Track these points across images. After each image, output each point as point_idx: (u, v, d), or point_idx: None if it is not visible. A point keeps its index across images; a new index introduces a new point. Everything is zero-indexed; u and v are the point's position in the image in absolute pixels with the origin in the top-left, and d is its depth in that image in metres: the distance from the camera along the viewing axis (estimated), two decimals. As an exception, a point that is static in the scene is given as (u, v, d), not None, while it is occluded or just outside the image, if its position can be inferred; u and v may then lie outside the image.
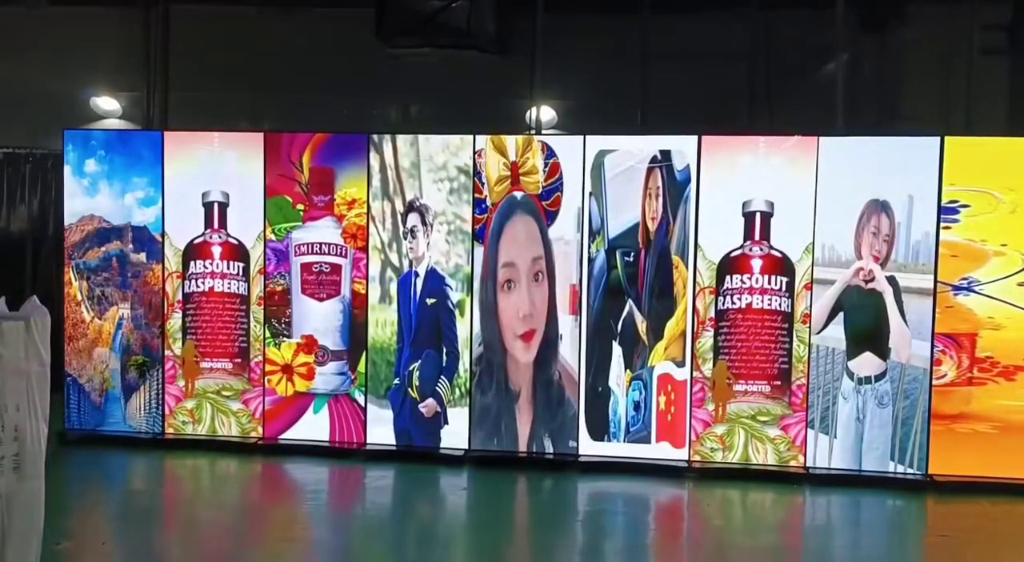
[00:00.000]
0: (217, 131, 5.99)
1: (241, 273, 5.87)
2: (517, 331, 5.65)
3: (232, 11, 7.68)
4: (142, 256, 5.97)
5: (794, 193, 5.42)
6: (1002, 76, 6.97)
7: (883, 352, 5.39)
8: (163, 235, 5.92)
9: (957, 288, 5.30)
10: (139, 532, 4.61)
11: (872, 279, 5.38)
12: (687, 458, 5.56)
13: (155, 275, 5.95)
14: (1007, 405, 5.28)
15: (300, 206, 5.79)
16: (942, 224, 5.29)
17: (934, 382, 5.33)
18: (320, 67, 7.47)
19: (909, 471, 5.38)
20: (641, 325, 5.60)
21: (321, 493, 5.45)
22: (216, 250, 5.87)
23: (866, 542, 4.75)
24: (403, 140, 5.76)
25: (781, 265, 5.47)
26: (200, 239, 5.89)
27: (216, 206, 5.86)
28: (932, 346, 5.32)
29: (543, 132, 7.06)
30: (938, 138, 5.31)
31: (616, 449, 5.63)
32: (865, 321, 5.41)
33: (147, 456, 5.83)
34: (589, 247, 5.60)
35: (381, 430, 5.80)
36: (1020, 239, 5.23)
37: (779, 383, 5.49)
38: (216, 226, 5.86)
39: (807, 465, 5.47)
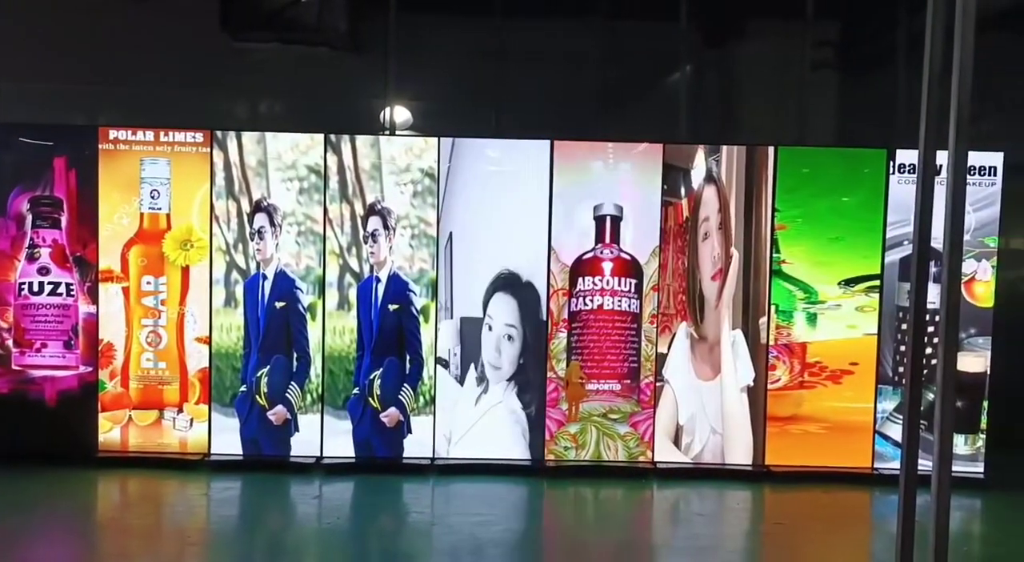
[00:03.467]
0: (47, 125, 5.62)
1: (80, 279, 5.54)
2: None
3: (65, -5, 7.19)
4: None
5: (642, 197, 5.59)
6: (830, 90, 7.43)
7: (724, 350, 5.65)
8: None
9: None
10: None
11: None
12: (541, 457, 5.64)
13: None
14: (834, 406, 5.63)
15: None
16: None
17: (769, 386, 5.62)
18: (161, 59, 7.10)
19: (746, 463, 5.66)
20: (495, 327, 5.64)
21: (164, 507, 5.17)
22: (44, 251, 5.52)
23: (708, 532, 4.94)
24: (249, 137, 5.56)
25: (630, 267, 5.63)
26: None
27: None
28: (767, 352, 5.62)
29: (397, 133, 6.98)
30: (772, 147, 5.61)
31: (472, 450, 5.64)
32: (708, 321, 5.66)
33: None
34: (444, 249, 5.59)
35: (228, 438, 5.59)
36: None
37: (629, 382, 5.64)
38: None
39: (654, 460, 5.66)
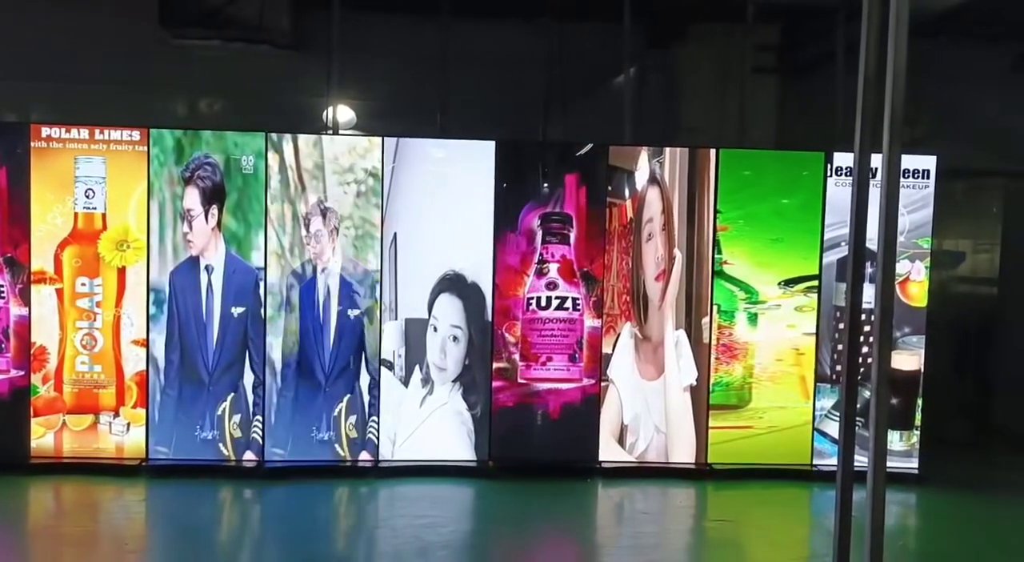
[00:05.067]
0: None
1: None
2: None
3: (-3, -10, 6.98)
4: None
5: (587, 199, 5.62)
6: (770, 94, 7.57)
7: (668, 350, 5.72)
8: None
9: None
10: None
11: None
12: (487, 458, 5.63)
13: None
14: (775, 404, 5.73)
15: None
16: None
17: (712, 386, 5.69)
18: (98, 55, 6.94)
19: (690, 461, 5.73)
20: (441, 328, 5.62)
21: (100, 513, 5.03)
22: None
23: (653, 530, 4.98)
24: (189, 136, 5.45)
25: (575, 268, 5.65)
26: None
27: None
28: (710, 353, 5.69)
29: (341, 132, 6.91)
30: (714, 150, 5.69)
31: (417, 452, 5.61)
32: (652, 321, 5.72)
33: None
34: (388, 250, 5.55)
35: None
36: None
37: (576, 382, 5.67)
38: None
39: (599, 459, 5.69)
